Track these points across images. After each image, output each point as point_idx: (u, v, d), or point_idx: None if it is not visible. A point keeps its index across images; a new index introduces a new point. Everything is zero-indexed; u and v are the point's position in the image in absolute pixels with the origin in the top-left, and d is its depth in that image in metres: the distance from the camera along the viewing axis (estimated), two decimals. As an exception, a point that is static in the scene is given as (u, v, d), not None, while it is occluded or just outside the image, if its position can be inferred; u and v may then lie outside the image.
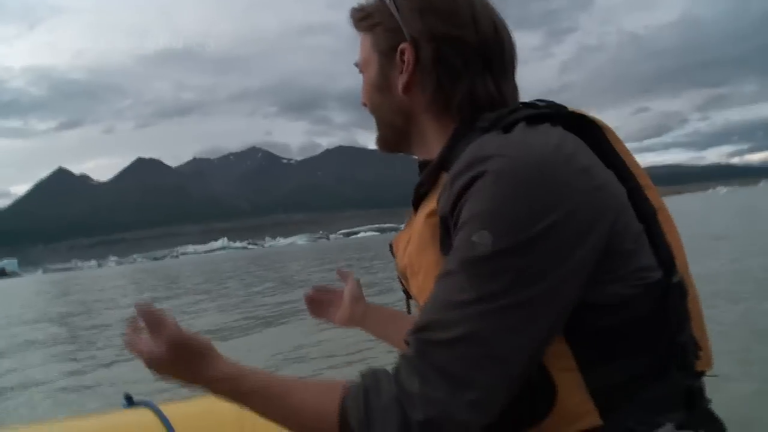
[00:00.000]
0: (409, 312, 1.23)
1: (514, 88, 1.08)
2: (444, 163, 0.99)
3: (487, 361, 0.81)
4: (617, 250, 0.87)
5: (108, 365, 9.26)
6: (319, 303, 1.55)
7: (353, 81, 1.15)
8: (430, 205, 0.98)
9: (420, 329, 0.86)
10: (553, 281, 0.82)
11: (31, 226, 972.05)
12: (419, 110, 1.08)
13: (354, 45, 1.14)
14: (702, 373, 0.99)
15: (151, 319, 0.97)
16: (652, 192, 0.99)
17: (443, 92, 1.03)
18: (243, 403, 0.97)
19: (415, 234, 1.02)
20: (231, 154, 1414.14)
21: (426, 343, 0.85)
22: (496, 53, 1.03)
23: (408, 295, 1.19)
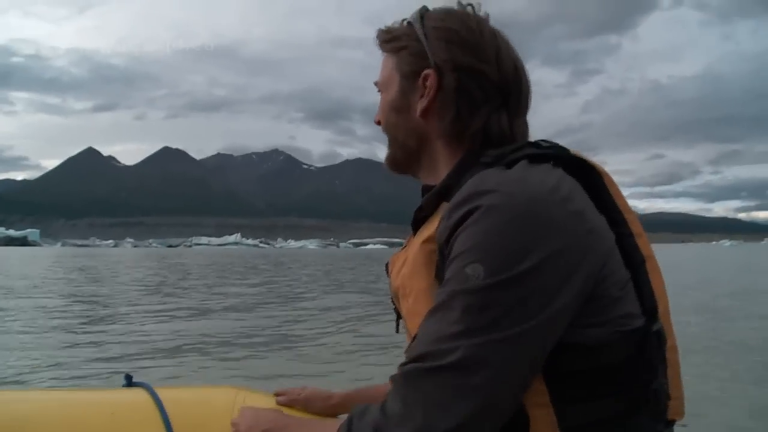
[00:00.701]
0: (397, 330, 1.24)
1: (525, 126, 1.11)
2: (445, 191, 1.03)
3: (469, 391, 0.83)
4: (602, 296, 0.90)
5: (115, 343, 9.11)
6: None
7: (379, 98, 1.20)
8: (428, 231, 1.02)
9: (411, 360, 0.89)
10: (540, 319, 0.84)
11: (56, 200, 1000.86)
12: (433, 135, 1.12)
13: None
14: (672, 422, 1.02)
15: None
16: (642, 240, 1.01)
17: (460, 121, 1.06)
18: None
19: (410, 257, 1.05)
20: (254, 153, 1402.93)
21: (414, 371, 0.87)
22: (513, 91, 1.07)
23: (398, 315, 1.21)
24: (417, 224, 1.10)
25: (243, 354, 8.54)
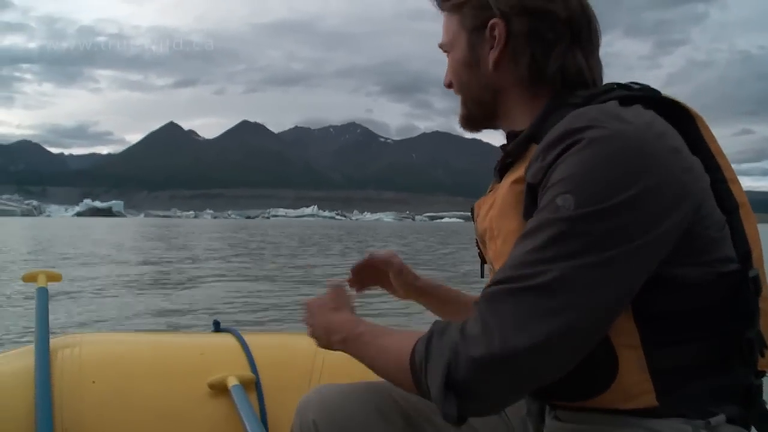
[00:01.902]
0: (482, 275, 1.22)
1: (599, 64, 1.09)
2: (535, 134, 1.00)
3: (548, 313, 0.81)
4: (700, 235, 0.88)
5: (201, 294, 9.91)
6: (372, 272, 1.52)
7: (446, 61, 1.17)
8: (517, 172, 1.00)
9: (495, 283, 0.88)
10: (629, 250, 0.82)
11: (139, 173, 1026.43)
12: (508, 85, 1.09)
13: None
14: (763, 373, 0.97)
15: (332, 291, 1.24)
16: (736, 186, 0.98)
17: (536, 65, 1.04)
18: (354, 345, 1.08)
19: (498, 199, 1.03)
20: (331, 126, 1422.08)
21: (497, 293, 0.86)
22: (583, 27, 1.04)
23: (483, 260, 1.20)
24: (504, 169, 1.08)
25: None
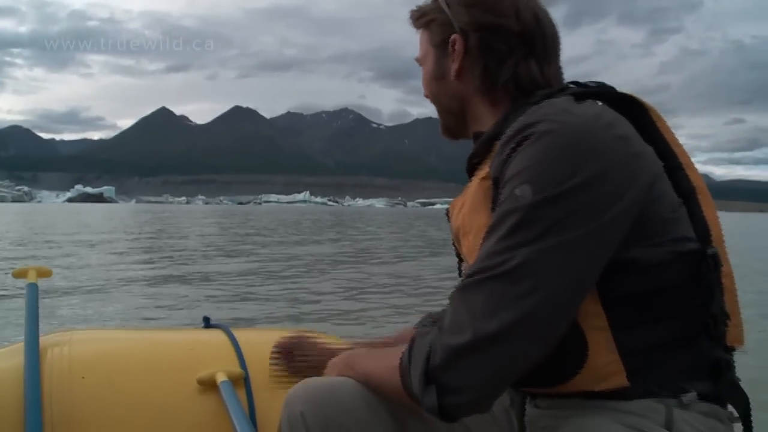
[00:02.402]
0: (459, 274, 1.25)
1: (558, 70, 1.16)
2: (497, 133, 1.05)
3: (513, 298, 0.86)
4: (654, 217, 0.94)
5: (194, 291, 9.64)
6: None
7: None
8: (484, 170, 1.06)
9: (466, 276, 0.93)
10: (587, 232, 0.87)
11: (130, 159, 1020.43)
12: (471, 93, 1.18)
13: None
14: (732, 348, 1.02)
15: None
16: (692, 172, 1.05)
17: (489, 75, 1.13)
18: (355, 364, 1.15)
19: (468, 197, 1.10)
20: (324, 112, 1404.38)
21: (468, 285, 0.92)
22: (537, 39, 1.12)
23: (460, 259, 1.25)
24: (472, 169, 1.15)
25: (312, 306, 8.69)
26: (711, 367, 0.98)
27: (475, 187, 1.08)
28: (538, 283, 0.86)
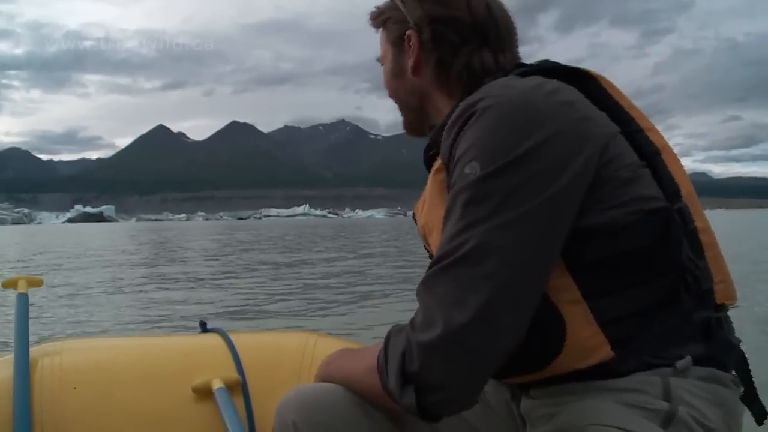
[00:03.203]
0: None
1: (514, 59, 1.14)
2: (446, 124, 1.02)
3: (479, 281, 0.82)
4: (611, 177, 0.90)
5: (189, 296, 9.65)
6: None
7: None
8: (437, 163, 1.05)
9: (429, 267, 0.89)
10: (542, 199, 0.84)
11: (130, 177, 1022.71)
12: (428, 87, 1.17)
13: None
14: (724, 306, 0.97)
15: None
16: (653, 133, 1.02)
17: (443, 66, 1.13)
18: (334, 370, 1.10)
19: (427, 194, 1.09)
20: (321, 124, 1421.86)
21: (432, 275, 0.87)
22: (490, 29, 1.11)
23: (431, 256, 1.16)
24: (429, 162, 1.13)
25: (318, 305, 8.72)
26: (702, 327, 0.93)
27: (431, 182, 1.07)
28: (500, 260, 0.82)
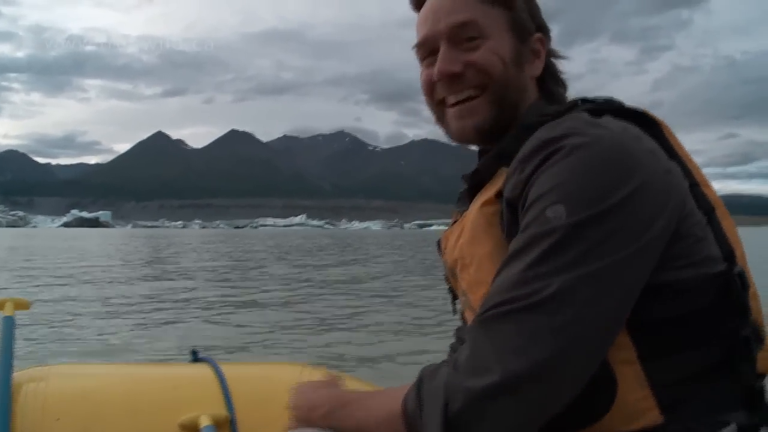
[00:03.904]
0: (454, 313, 1.17)
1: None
2: (505, 153, 0.97)
3: (548, 332, 0.76)
4: (688, 234, 0.86)
5: (184, 322, 9.23)
6: None
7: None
8: (487, 193, 0.97)
9: (487, 309, 0.82)
10: (629, 254, 0.79)
11: (127, 183, 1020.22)
12: (534, 98, 1.08)
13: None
14: (763, 375, 0.93)
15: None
16: (708, 189, 0.97)
17: (549, 85, 1.09)
18: (339, 415, 1.00)
19: (468, 225, 0.99)
20: (320, 135, 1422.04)
21: (490, 318, 0.81)
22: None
23: (454, 296, 1.14)
24: (473, 191, 1.05)
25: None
26: (747, 395, 0.88)
27: (476, 213, 0.97)
28: (578, 313, 0.76)
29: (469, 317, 1.02)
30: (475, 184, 1.04)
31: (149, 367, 2.03)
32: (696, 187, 0.95)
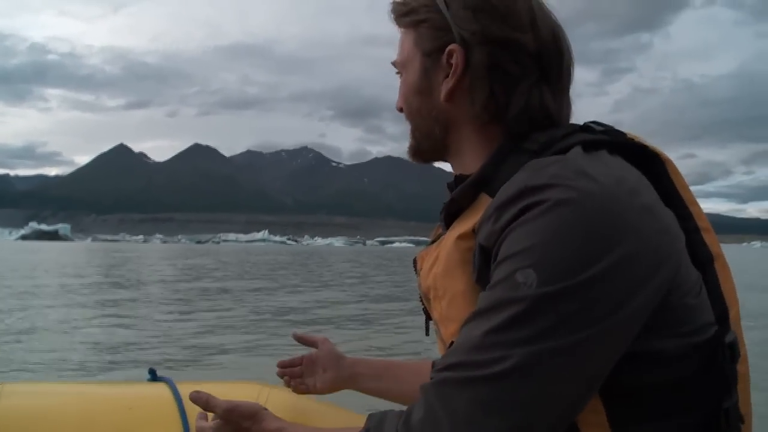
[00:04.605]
0: (427, 333, 1.10)
1: (569, 105, 0.97)
2: (484, 181, 0.90)
3: (507, 406, 0.71)
4: (677, 305, 0.78)
5: (144, 341, 9.01)
6: (293, 374, 1.42)
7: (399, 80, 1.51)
8: (464, 225, 0.90)
9: (444, 368, 0.77)
10: (600, 330, 0.71)
11: (88, 196, 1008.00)
12: (462, 120, 0.98)
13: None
14: None
15: (204, 404, 1.09)
16: (709, 236, 0.88)
17: (494, 102, 0.92)
18: None
19: (443, 255, 0.92)
20: (283, 150, 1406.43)
21: (448, 381, 0.75)
22: (553, 62, 0.93)
23: (428, 316, 1.06)
24: (449, 218, 0.97)
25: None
26: None
27: (452, 245, 0.89)
28: (536, 390, 0.70)
29: (439, 344, 0.99)
30: (453, 212, 0.96)
31: (105, 386, 1.98)
32: (696, 233, 0.86)
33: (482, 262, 0.82)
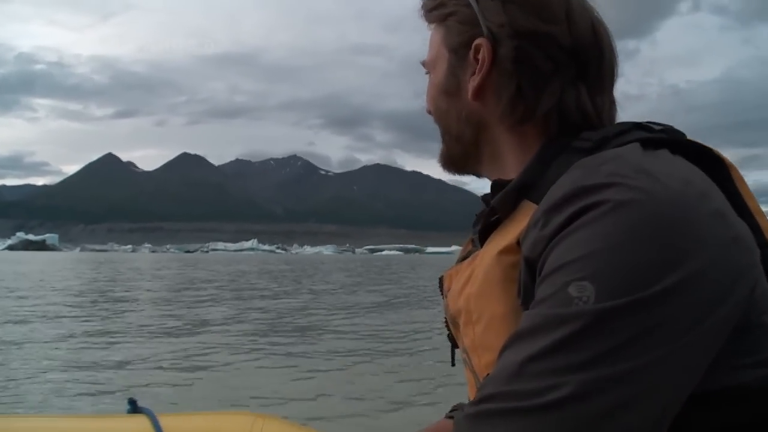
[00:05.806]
0: (453, 363, 1.00)
1: (612, 105, 0.90)
2: (527, 186, 0.81)
3: None
4: (758, 324, 0.66)
5: (126, 365, 8.59)
6: None
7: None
8: (505, 238, 0.79)
9: (481, 400, 0.64)
10: (669, 353, 0.59)
11: (76, 205, 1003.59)
12: (493, 121, 0.90)
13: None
14: None
15: None
16: None
17: (523, 100, 0.85)
18: None
19: (479, 273, 0.81)
20: (272, 159, 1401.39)
21: (486, 414, 0.63)
22: (592, 59, 0.85)
23: (454, 344, 0.96)
24: (486, 230, 0.87)
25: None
26: None
27: (491, 261, 0.79)
28: (598, 424, 0.58)
29: (469, 378, 0.89)
30: (491, 223, 0.86)
31: (80, 419, 1.83)
32: (764, 249, 0.71)
33: (528, 278, 0.71)
